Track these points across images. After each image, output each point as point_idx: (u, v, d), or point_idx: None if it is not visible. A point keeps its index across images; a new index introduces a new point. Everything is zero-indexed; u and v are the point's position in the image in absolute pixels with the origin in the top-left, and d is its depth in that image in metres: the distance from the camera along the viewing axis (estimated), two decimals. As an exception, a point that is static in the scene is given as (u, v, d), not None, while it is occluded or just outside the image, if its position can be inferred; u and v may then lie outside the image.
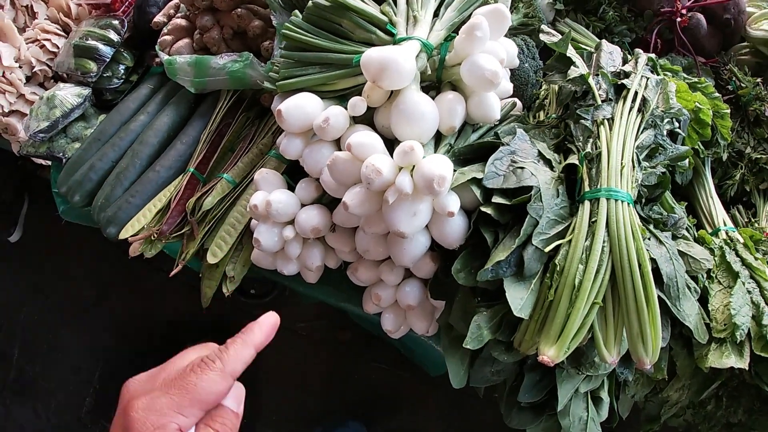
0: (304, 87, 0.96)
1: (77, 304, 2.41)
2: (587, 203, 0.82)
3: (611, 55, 1.10)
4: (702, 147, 1.19)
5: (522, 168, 0.87)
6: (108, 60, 1.48)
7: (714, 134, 1.18)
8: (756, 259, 0.97)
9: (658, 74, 1.08)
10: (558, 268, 0.75)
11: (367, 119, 0.95)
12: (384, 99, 0.93)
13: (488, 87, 0.87)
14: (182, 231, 1.11)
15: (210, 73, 1.30)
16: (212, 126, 1.24)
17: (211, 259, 1.06)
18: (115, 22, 1.51)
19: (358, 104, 0.89)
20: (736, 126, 1.26)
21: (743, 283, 0.90)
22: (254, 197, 0.97)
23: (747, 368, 0.84)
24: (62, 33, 1.54)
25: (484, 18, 0.87)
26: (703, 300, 0.93)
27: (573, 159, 0.90)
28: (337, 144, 0.94)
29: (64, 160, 1.44)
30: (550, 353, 0.69)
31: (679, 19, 1.38)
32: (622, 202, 0.81)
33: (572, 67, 1.04)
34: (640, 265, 0.72)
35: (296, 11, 1.02)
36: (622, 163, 0.86)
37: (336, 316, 2.26)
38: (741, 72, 1.34)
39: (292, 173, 1.13)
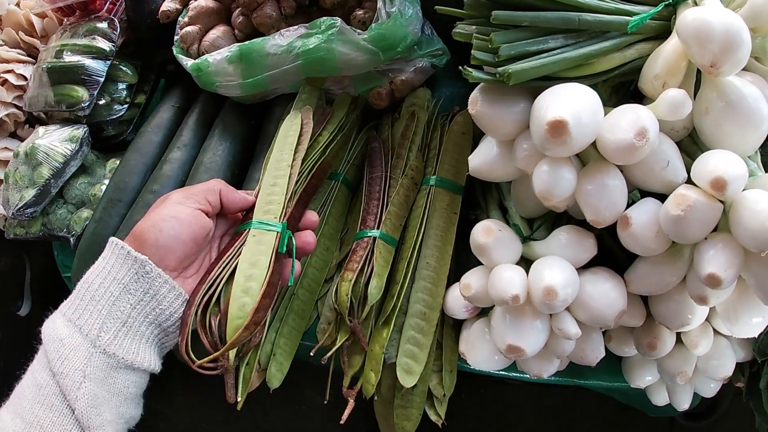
0: (549, 73, 0.55)
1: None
2: None
3: None
4: None
5: None
6: (102, 79, 0.98)
7: None
8: None
9: None
10: None
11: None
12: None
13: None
14: (337, 345, 0.68)
15: (269, 64, 0.84)
16: (314, 152, 0.78)
17: (406, 380, 0.64)
18: (102, 24, 1.00)
19: (685, 102, 0.50)
20: None
21: None
22: (504, 278, 0.56)
23: None
24: (28, 58, 1.03)
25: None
26: None
27: None
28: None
29: (72, 240, 0.96)
30: None
31: None
32: None
33: None
34: None
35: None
36: None
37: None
38: None
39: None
